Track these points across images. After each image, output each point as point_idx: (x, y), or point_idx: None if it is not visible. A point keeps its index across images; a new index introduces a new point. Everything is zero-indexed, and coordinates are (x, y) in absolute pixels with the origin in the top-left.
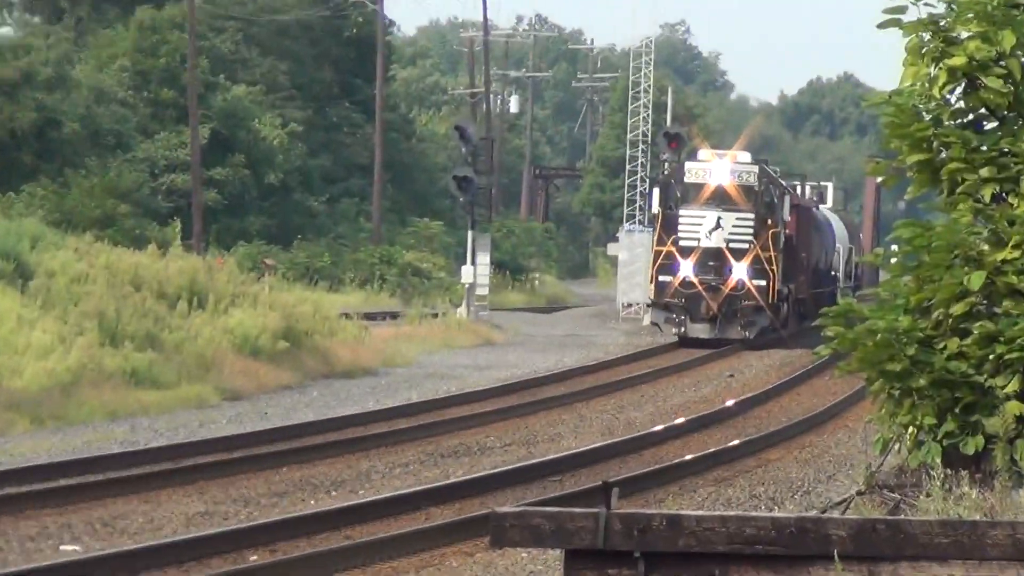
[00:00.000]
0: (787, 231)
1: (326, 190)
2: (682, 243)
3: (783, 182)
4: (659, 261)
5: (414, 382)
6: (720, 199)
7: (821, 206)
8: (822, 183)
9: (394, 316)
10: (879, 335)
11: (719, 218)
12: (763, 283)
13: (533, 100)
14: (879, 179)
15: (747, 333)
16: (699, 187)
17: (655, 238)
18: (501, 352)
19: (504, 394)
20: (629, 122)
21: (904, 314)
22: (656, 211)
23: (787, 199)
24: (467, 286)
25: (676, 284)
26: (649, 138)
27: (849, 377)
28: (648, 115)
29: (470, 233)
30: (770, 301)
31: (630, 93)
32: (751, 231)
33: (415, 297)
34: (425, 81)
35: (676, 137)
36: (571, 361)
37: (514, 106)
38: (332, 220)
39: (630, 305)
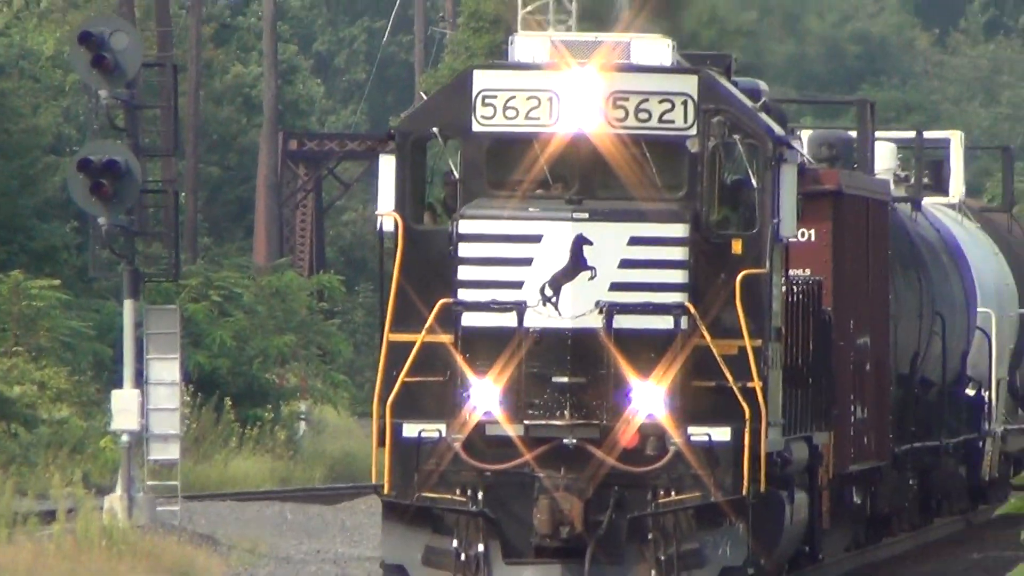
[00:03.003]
0: (799, 272)
1: None
2: (469, 321)
3: (768, 119)
4: (402, 376)
5: None
6: (582, 180)
7: (929, 202)
8: (922, 137)
9: None
10: None
11: (580, 238)
12: (722, 434)
13: None
14: None
15: None
16: (517, 146)
17: (389, 309)
18: None
19: None
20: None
21: None
22: (391, 223)
23: (789, 172)
24: (126, 441)
25: (456, 445)
26: None
27: None
28: None
29: (128, 307)
30: (746, 489)
31: None
32: (680, 275)
33: None
34: None
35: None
36: None
37: None
38: None
39: None
